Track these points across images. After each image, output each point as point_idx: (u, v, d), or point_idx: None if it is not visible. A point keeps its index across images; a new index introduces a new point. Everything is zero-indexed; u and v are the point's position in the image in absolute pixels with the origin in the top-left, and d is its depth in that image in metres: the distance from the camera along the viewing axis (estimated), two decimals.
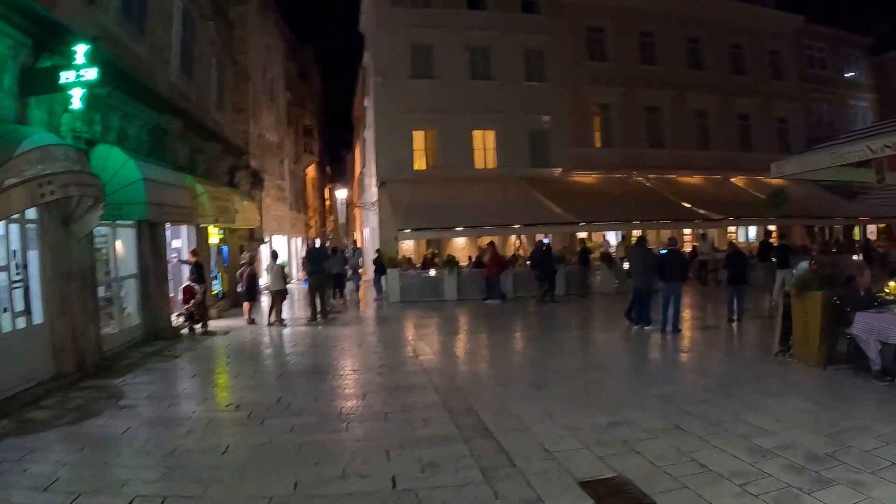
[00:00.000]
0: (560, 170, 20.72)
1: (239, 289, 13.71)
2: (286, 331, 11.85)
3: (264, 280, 16.28)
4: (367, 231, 26.73)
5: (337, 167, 48.66)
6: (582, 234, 20.76)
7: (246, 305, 12.88)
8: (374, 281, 17.81)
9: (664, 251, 10.72)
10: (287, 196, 25.60)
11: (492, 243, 16.36)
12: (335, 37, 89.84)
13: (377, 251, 18.45)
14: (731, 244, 13.89)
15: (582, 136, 21.37)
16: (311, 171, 34.83)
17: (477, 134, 20.47)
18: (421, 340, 10.18)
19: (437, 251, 19.52)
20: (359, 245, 25.17)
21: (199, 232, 13.44)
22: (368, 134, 22.65)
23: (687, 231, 20.51)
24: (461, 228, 17.15)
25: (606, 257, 16.52)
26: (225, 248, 16.42)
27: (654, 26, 22.48)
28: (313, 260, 13.39)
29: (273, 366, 8.58)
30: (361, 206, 27.08)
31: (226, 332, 11.59)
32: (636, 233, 21.46)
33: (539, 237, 18.23)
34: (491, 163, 20.50)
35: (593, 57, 21.75)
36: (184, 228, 13.23)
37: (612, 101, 21.78)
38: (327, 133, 48.34)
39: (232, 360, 9.12)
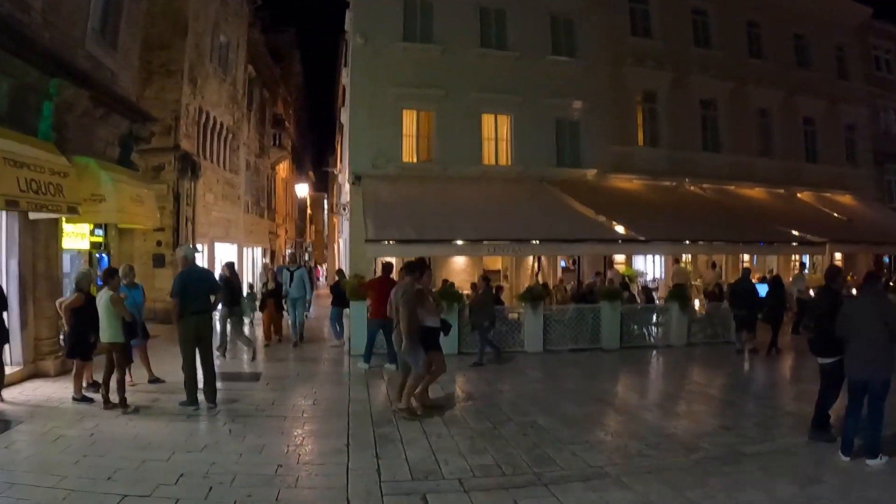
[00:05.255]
0: (594, 172, 15.80)
1: (61, 336, 8.22)
2: (127, 427, 6.01)
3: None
4: (341, 243, 21.52)
5: (324, 174, 43.04)
6: (619, 258, 15.86)
7: (76, 366, 7.02)
8: (333, 317, 12.11)
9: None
10: (241, 194, 20.33)
11: (388, 265, 9.92)
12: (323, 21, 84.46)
13: (338, 272, 13.17)
14: None
15: (622, 131, 16.47)
16: (284, 169, 29.35)
17: (487, 119, 15.48)
18: None
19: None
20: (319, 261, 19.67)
21: (27, 227, 8.17)
22: (345, 116, 17.60)
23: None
24: (461, 243, 11.88)
25: (678, 292, 11.51)
26: (104, 258, 10.92)
27: (708, 2, 17.99)
28: (189, 290, 6.73)
29: None
30: (335, 212, 21.86)
31: (18, 423, 6.02)
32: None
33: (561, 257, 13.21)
34: (504, 158, 15.52)
35: (636, 31, 17.02)
36: (2, 218, 7.98)
37: (658, 89, 16.98)
38: (315, 134, 43.15)
39: None
